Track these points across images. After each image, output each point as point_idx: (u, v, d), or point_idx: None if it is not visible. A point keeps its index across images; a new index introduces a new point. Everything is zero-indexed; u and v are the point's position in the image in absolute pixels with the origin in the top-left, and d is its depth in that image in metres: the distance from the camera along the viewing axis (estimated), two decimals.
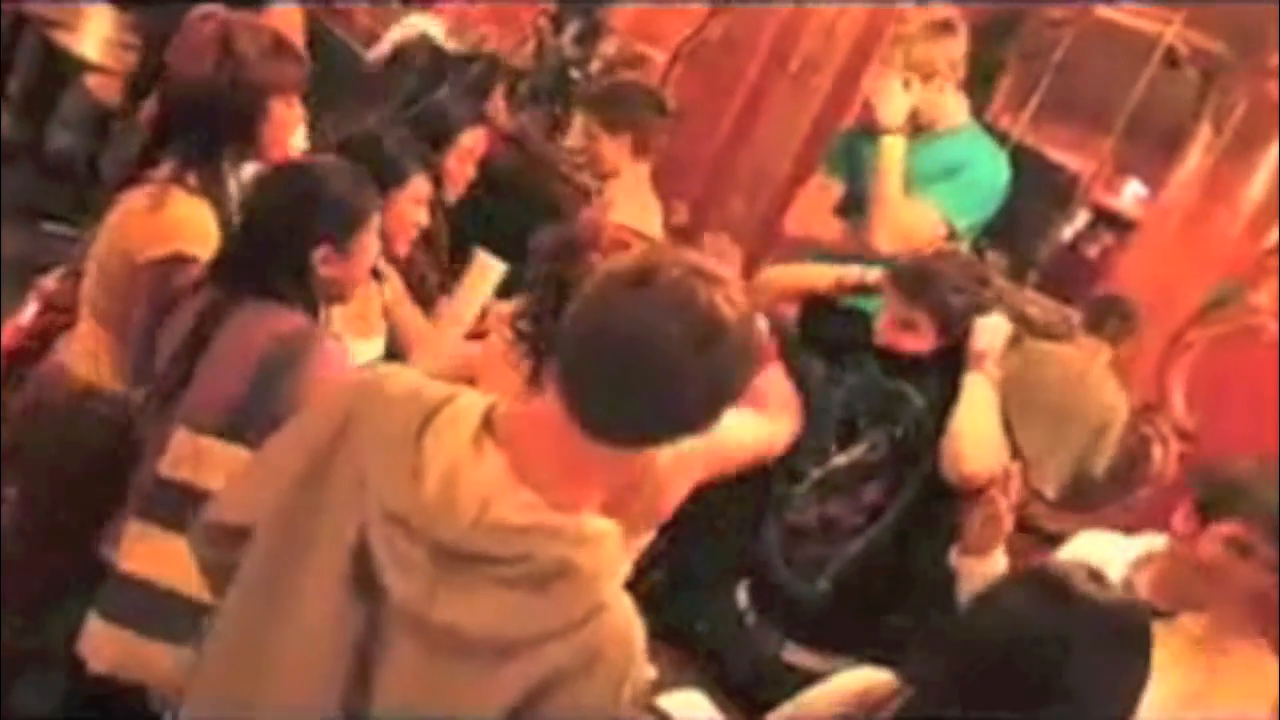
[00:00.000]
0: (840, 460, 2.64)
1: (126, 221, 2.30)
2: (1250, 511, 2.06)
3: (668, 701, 2.37)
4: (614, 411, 1.29)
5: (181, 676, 1.73)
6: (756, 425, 1.91)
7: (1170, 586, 2.12)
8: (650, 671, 2.22)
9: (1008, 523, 2.28)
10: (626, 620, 1.31)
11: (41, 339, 2.54)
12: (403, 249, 2.69)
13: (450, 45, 4.76)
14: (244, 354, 2.00)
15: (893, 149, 3.02)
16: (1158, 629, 2.00)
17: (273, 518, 1.38)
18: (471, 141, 3.15)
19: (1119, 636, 1.51)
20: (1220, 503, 2.08)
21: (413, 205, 2.67)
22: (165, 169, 2.29)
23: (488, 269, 2.77)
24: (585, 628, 1.27)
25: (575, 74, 4.79)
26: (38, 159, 5.27)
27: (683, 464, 1.81)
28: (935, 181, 3.02)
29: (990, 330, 2.58)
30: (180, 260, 2.20)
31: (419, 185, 2.69)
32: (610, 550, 1.31)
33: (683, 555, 2.51)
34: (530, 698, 1.26)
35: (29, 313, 2.65)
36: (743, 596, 2.72)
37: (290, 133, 2.45)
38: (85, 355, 2.38)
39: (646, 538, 1.95)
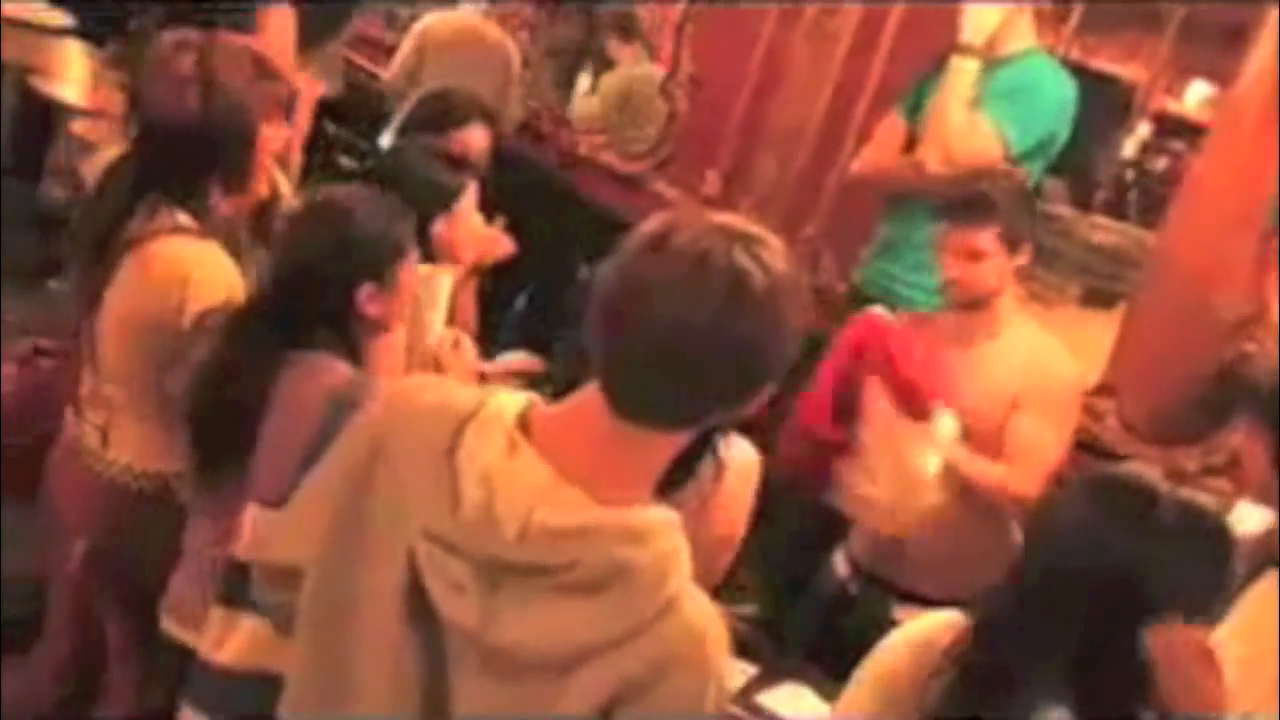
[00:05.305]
0: None
1: (148, 285, 2.20)
2: None
3: (772, 699, 2.33)
4: (639, 388, 1.23)
5: None
6: None
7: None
8: (740, 670, 2.33)
9: None
10: (701, 616, 1.24)
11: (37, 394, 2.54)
12: (469, 258, 2.67)
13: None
14: (303, 418, 1.94)
15: (962, 70, 3.02)
16: None
17: (321, 552, 1.34)
18: None
19: (1202, 534, 1.47)
20: None
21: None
22: (159, 221, 2.19)
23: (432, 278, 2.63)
24: (653, 630, 1.21)
25: None
26: (35, 216, 5.11)
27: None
28: (995, 102, 3.00)
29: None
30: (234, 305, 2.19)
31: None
32: (670, 542, 1.24)
33: None
34: (603, 712, 1.21)
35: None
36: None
37: (271, 155, 2.36)
38: (115, 435, 2.26)
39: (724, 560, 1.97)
